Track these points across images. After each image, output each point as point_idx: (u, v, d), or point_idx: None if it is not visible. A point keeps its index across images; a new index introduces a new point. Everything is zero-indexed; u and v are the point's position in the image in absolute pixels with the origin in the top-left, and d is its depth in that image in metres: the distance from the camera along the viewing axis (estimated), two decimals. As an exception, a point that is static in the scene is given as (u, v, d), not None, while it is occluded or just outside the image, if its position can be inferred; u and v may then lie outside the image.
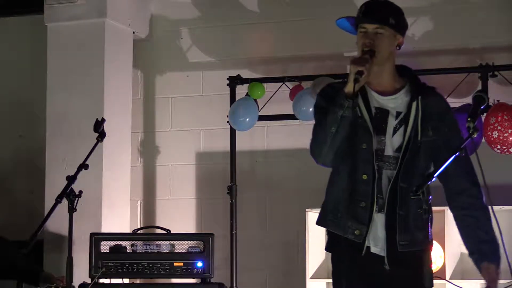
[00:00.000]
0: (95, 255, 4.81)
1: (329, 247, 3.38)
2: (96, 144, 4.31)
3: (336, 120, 3.18)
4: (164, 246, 4.87)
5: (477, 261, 3.26)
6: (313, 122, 3.36)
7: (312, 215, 5.39)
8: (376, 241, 3.26)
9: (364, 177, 3.23)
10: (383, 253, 3.26)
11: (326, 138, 3.20)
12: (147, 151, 6.22)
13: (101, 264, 4.79)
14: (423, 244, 3.29)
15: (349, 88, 3.16)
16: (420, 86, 3.35)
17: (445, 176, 3.22)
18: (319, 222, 3.38)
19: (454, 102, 5.25)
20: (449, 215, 5.17)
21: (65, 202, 4.01)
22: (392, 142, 3.26)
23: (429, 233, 3.28)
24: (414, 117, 3.26)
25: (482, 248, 3.24)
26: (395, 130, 3.27)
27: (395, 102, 3.30)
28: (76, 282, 4.51)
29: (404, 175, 3.23)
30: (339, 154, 3.26)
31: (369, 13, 3.28)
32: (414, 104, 3.27)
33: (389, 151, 3.26)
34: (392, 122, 3.27)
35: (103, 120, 4.36)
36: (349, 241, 3.24)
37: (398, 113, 3.28)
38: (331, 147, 3.22)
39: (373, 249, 3.26)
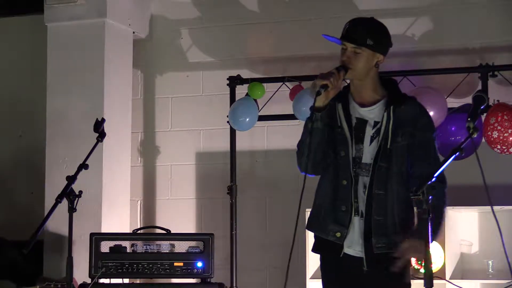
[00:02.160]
0: (95, 255, 4.81)
1: (314, 249, 3.63)
2: (96, 144, 4.31)
3: (308, 132, 3.41)
4: (164, 246, 4.87)
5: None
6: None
7: (312, 215, 5.39)
8: (352, 243, 3.46)
9: (344, 182, 3.47)
10: (360, 254, 3.45)
11: (304, 149, 3.48)
12: (147, 151, 6.22)
13: (101, 264, 4.80)
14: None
15: (316, 102, 3.38)
16: (396, 96, 3.51)
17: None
18: (307, 227, 3.63)
19: (454, 102, 5.27)
20: (449, 215, 5.18)
21: (65, 202, 4.00)
22: (370, 150, 3.45)
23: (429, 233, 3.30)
24: (385, 125, 3.44)
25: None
26: (372, 139, 3.46)
27: (374, 113, 3.49)
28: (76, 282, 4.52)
29: (378, 182, 3.42)
30: (320, 163, 3.49)
31: (349, 32, 3.47)
32: (385, 114, 3.44)
33: (367, 159, 3.45)
34: (369, 132, 3.46)
35: (103, 120, 4.36)
36: (330, 243, 3.49)
37: (376, 123, 3.46)
38: (309, 157, 3.46)
39: (347, 250, 3.47)
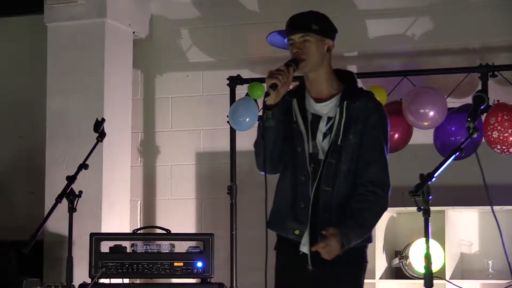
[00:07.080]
0: (95, 255, 4.82)
1: (276, 247, 3.53)
2: (96, 144, 4.31)
3: (262, 132, 3.35)
4: (164, 246, 4.87)
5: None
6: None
7: (312, 215, 5.38)
8: (307, 241, 3.38)
9: (302, 178, 3.40)
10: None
11: (260, 148, 3.39)
12: (147, 151, 6.22)
13: (101, 264, 4.80)
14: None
15: (268, 100, 3.33)
16: (351, 91, 3.45)
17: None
18: (267, 226, 3.48)
19: (454, 102, 5.27)
20: (449, 215, 5.18)
21: (65, 202, 4.01)
22: (323, 146, 3.40)
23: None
24: (338, 121, 3.38)
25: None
26: (324, 135, 3.40)
27: (328, 108, 3.43)
28: (76, 282, 4.51)
29: (326, 178, 3.35)
30: (279, 161, 3.44)
31: (292, 24, 3.48)
32: (338, 109, 3.39)
33: (321, 155, 3.40)
34: (322, 127, 3.40)
35: (103, 120, 4.37)
36: (290, 241, 3.42)
37: (330, 118, 3.41)
38: (266, 156, 3.37)
39: (302, 248, 3.39)
